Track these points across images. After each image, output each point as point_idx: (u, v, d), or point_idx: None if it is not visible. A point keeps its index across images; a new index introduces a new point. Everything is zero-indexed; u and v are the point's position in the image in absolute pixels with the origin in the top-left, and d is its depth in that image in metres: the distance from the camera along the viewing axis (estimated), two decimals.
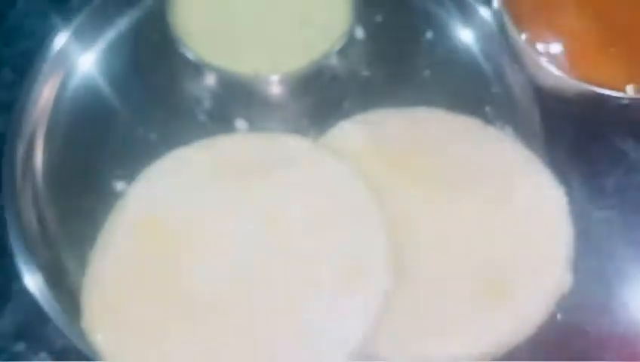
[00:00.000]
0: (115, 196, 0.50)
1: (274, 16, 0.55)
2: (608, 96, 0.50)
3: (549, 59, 0.51)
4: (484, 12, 0.57)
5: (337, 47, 0.53)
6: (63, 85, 0.57)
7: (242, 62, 0.53)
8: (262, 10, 0.55)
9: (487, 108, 0.55)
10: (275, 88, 0.57)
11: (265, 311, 0.45)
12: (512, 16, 0.51)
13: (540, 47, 0.51)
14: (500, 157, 0.51)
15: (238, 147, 0.51)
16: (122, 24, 0.60)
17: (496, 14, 0.54)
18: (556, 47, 0.51)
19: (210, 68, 0.54)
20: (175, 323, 0.45)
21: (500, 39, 0.56)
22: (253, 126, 0.55)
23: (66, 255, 0.52)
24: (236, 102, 0.56)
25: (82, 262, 0.48)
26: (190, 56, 0.53)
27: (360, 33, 0.57)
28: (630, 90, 0.50)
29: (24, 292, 0.49)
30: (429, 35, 0.59)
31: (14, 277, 0.50)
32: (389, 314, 0.45)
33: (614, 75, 0.50)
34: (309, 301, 0.45)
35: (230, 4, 0.55)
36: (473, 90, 0.57)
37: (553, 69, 0.50)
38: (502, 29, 0.53)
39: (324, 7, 0.55)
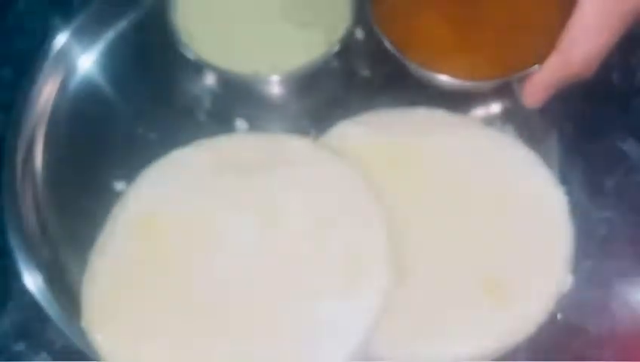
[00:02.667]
0: (115, 196, 0.50)
1: (274, 16, 0.55)
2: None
3: (415, 57, 0.51)
4: None
5: (337, 47, 0.53)
6: (63, 85, 0.57)
7: (242, 63, 0.53)
8: (262, 11, 0.55)
9: (488, 108, 0.55)
10: (275, 88, 0.57)
11: (265, 310, 0.45)
12: (377, 18, 0.51)
13: (405, 46, 0.51)
14: (499, 157, 0.51)
15: (238, 147, 0.51)
16: (122, 24, 0.60)
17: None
18: (418, 47, 0.51)
19: (210, 68, 0.54)
20: (175, 322, 0.45)
21: None
22: (253, 126, 0.55)
23: (66, 255, 0.52)
24: (236, 102, 0.56)
25: (82, 262, 0.49)
26: (190, 56, 0.53)
27: (360, 33, 0.57)
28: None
29: (24, 292, 0.49)
30: None
31: (14, 277, 0.50)
32: (389, 314, 0.45)
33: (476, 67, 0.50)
34: (309, 301, 0.45)
35: (230, 4, 0.55)
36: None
37: (417, 67, 0.50)
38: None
39: (324, 7, 0.55)
